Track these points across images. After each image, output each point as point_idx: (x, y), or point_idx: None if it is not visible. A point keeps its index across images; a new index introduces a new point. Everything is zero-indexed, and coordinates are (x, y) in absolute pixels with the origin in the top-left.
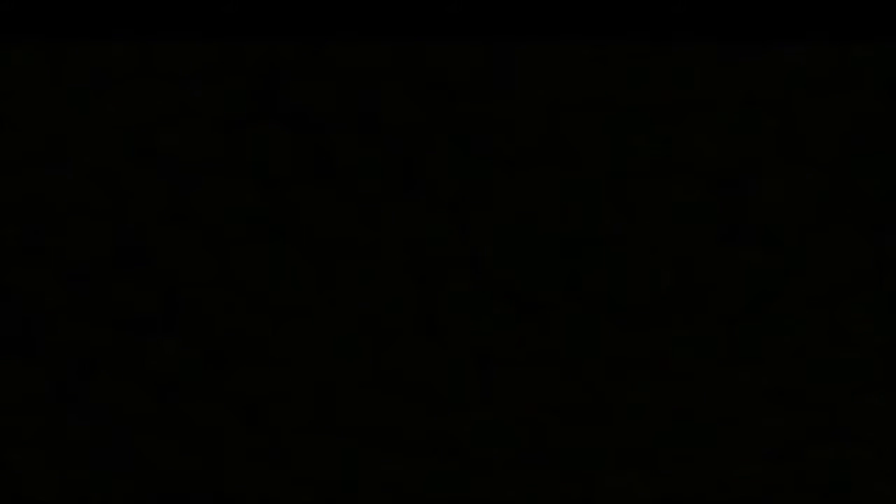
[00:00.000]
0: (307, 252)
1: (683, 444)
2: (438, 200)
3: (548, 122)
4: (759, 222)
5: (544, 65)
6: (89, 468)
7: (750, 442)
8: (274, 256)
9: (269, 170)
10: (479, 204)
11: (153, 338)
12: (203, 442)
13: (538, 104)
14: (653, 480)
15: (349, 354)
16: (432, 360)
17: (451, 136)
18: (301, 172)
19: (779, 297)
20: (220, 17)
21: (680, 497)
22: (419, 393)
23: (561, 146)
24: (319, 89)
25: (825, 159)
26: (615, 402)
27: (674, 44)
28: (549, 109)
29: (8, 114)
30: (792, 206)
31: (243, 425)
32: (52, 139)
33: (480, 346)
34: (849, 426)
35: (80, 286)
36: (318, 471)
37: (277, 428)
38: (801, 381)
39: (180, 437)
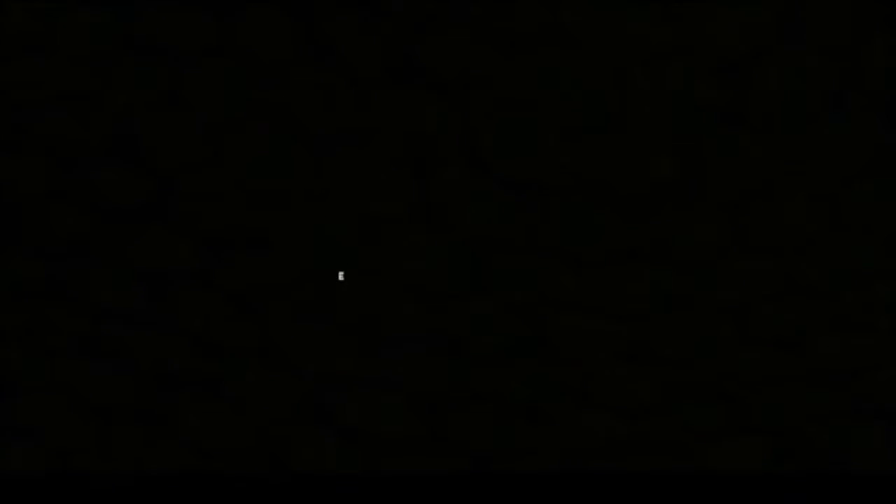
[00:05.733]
0: (303, 139)
1: (684, 335)
2: (437, 85)
3: (548, 5)
4: (764, 108)
5: None
6: (83, 361)
7: (752, 331)
8: (269, 143)
9: (265, 54)
10: (477, 89)
11: (145, 227)
12: (195, 333)
13: None
14: (652, 372)
15: (344, 244)
16: (430, 250)
17: (449, 20)
18: (298, 57)
19: (782, 186)
20: None
21: (680, 388)
22: (416, 283)
23: (562, 30)
24: None
25: (831, 44)
26: (614, 291)
27: None
28: None
29: None
30: (797, 92)
31: (237, 316)
32: (36, 23)
33: (479, 234)
34: (852, 314)
35: (69, 174)
36: (314, 364)
37: (270, 320)
38: (804, 270)
39: (173, 329)
